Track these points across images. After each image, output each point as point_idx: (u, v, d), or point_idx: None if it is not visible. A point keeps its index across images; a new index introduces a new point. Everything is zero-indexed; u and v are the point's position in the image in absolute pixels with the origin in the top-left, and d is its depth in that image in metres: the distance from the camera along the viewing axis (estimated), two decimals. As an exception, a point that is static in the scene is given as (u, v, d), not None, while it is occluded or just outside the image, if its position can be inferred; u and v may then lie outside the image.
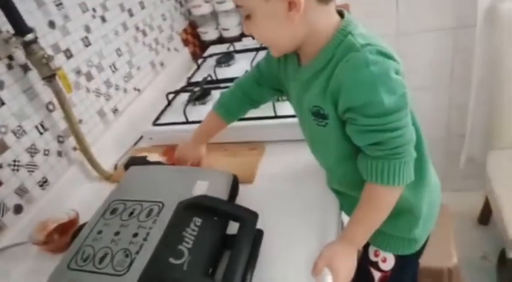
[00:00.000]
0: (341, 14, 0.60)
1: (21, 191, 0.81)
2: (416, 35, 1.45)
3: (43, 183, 0.87)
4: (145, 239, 0.61)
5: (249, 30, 0.60)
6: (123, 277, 0.56)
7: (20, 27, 0.76)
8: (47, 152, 0.88)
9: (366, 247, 0.77)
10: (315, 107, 0.61)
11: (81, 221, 0.81)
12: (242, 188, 0.79)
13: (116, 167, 1.02)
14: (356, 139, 0.58)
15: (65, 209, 0.84)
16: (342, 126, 0.60)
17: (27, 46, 0.78)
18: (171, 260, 0.57)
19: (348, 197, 0.72)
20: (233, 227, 0.65)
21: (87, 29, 1.03)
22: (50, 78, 0.83)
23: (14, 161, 0.80)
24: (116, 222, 0.66)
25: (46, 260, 0.77)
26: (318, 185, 0.79)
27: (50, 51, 0.89)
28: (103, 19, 1.09)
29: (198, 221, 0.63)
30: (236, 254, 0.58)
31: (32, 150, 0.84)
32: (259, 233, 0.66)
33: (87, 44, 1.02)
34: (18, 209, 0.80)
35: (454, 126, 1.63)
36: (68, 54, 0.96)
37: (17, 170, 0.80)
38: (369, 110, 0.53)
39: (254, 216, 0.63)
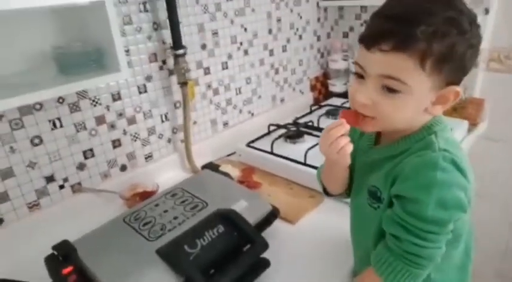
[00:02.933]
0: None
1: (131, 156, 1.08)
2: None
3: (148, 157, 1.12)
4: (180, 224, 0.76)
5: (379, 103, 0.54)
6: (151, 243, 0.72)
7: (177, 43, 1.04)
8: (161, 136, 1.14)
9: None
10: (374, 187, 0.62)
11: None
12: (282, 224, 0.88)
13: (203, 167, 1.22)
14: (385, 223, 0.59)
15: (152, 182, 1.07)
16: None
17: (177, 57, 1.05)
18: (186, 247, 0.70)
19: None
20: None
21: (230, 56, 1.28)
22: (183, 84, 1.08)
23: (136, 133, 1.07)
24: (170, 203, 0.84)
25: (122, 210, 1.00)
26: (344, 267, 0.79)
27: (194, 66, 1.16)
28: (246, 52, 1.33)
29: (221, 228, 0.75)
30: (232, 264, 0.67)
31: (151, 131, 1.11)
32: (265, 262, 0.74)
33: (225, 67, 1.27)
34: (123, 168, 1.07)
35: None
36: (207, 71, 1.22)
37: (135, 140, 1.07)
38: (410, 207, 0.53)
39: (264, 244, 0.72)
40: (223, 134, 1.32)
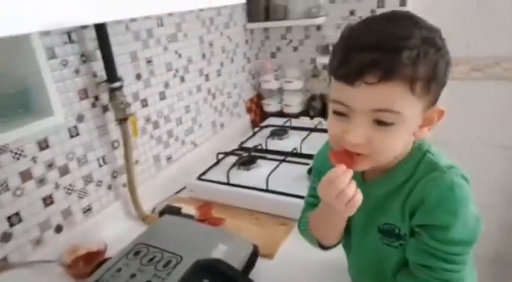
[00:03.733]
0: None
1: (67, 213, 0.90)
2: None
3: (87, 210, 0.95)
4: (155, 288, 0.64)
5: (373, 139, 0.50)
6: (125, 320, 0.59)
7: (112, 76, 0.91)
8: (99, 183, 0.98)
9: None
10: (388, 225, 0.58)
11: (108, 254, 0.86)
12: (261, 262, 0.80)
13: (153, 210, 1.09)
14: (411, 254, 0.56)
15: (96, 239, 0.90)
16: None
17: (113, 91, 0.92)
18: (172, 316, 0.59)
19: None
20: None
21: (167, 85, 1.17)
22: (122, 120, 0.95)
23: (70, 185, 0.90)
24: (135, 264, 0.70)
25: (66, 282, 0.82)
26: (336, 277, 0.77)
27: (130, 98, 1.03)
28: (182, 79, 1.24)
29: (207, 283, 0.65)
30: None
31: (88, 179, 0.94)
32: (264, 314, 0.66)
33: (163, 97, 1.16)
34: (58, 229, 0.88)
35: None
36: (144, 103, 1.10)
37: (70, 193, 0.90)
38: (438, 233, 0.52)
39: (262, 294, 0.63)
40: (168, 170, 1.20)
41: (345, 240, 0.67)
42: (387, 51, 0.45)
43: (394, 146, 0.52)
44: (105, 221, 0.98)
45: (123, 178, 1.05)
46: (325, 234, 0.65)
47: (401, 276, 0.58)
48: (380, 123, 0.49)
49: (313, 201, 0.68)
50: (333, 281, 0.76)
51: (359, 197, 0.52)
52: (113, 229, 0.98)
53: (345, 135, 0.50)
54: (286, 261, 0.84)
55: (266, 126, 1.50)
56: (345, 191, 0.51)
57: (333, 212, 0.56)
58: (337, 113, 0.52)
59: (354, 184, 0.52)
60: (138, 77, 1.07)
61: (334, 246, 0.68)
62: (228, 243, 0.75)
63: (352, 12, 1.46)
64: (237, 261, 0.71)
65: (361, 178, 0.60)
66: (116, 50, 0.95)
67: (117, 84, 0.92)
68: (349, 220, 0.62)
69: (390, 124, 0.48)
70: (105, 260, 0.79)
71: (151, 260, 0.71)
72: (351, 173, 0.52)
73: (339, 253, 0.80)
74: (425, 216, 0.52)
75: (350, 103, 0.49)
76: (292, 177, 1.06)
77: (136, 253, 0.73)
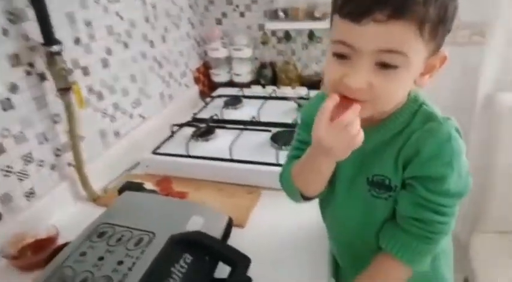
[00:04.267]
0: None
1: (6, 199, 0.78)
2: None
3: (30, 194, 0.83)
4: (130, 269, 0.58)
5: (375, 84, 0.47)
6: (100, 307, 0.53)
7: (49, 38, 0.78)
8: (41, 163, 0.86)
9: None
10: (378, 177, 0.56)
11: (60, 241, 0.77)
12: (233, 231, 0.77)
13: (105, 190, 0.99)
14: (403, 208, 0.55)
15: (44, 226, 0.80)
16: None
17: (51, 56, 0.79)
18: (155, 295, 0.54)
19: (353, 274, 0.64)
20: (219, 272, 0.63)
21: (109, 51, 1.05)
22: (64, 90, 0.83)
23: (7, 166, 0.77)
24: (102, 246, 0.63)
25: (12, 276, 0.73)
26: (308, 239, 0.78)
27: (69, 66, 0.90)
28: (125, 45, 1.12)
29: (188, 258, 0.61)
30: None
31: (27, 159, 0.82)
32: (248, 281, 0.64)
33: (106, 65, 1.04)
34: (-3, 217, 0.77)
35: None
36: (85, 72, 0.97)
37: (8, 175, 0.78)
38: (434, 185, 0.51)
39: (247, 261, 0.61)
40: (116, 145, 1.10)
41: (324, 195, 0.64)
42: None
43: (396, 92, 0.49)
44: (52, 205, 0.87)
45: (67, 157, 0.93)
46: (310, 182, 0.61)
47: (388, 232, 0.58)
48: (384, 66, 0.46)
49: (298, 154, 0.63)
50: (305, 245, 0.77)
51: (362, 136, 0.50)
52: (62, 213, 0.88)
53: (345, 79, 0.47)
54: (258, 229, 0.83)
55: (218, 96, 1.44)
56: (347, 129, 0.48)
57: (323, 157, 0.53)
58: (337, 56, 0.49)
59: (357, 122, 0.49)
60: (77, 41, 0.94)
61: (316, 197, 0.65)
62: (202, 215, 0.70)
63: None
64: (215, 233, 0.68)
65: None
66: (49, 10, 0.81)
67: (55, 48, 0.79)
68: (335, 171, 0.59)
69: (394, 67, 0.46)
70: (62, 246, 0.71)
71: (119, 239, 0.64)
72: (356, 111, 0.48)
73: (310, 220, 0.82)
74: (420, 168, 0.52)
75: (355, 43, 0.46)
76: (255, 145, 1.04)
77: (101, 234, 0.66)
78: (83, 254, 0.62)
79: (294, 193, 0.63)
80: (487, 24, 1.27)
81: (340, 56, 0.49)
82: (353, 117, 0.48)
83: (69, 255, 0.62)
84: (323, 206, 0.69)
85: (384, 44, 0.45)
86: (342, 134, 0.49)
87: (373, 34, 0.44)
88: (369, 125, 0.54)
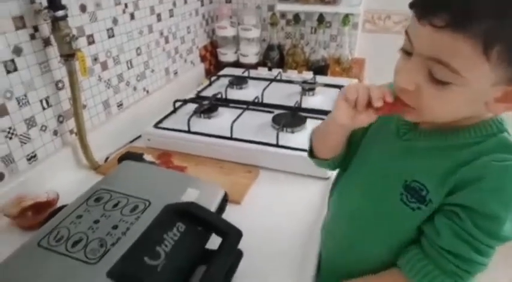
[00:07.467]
0: None
1: (8, 160, 0.79)
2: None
3: (31, 157, 0.84)
4: (124, 233, 0.59)
5: (422, 92, 0.44)
6: (93, 266, 0.54)
7: (54, 2, 0.78)
8: (44, 128, 0.87)
9: None
10: (416, 183, 0.50)
11: (59, 205, 0.78)
12: (229, 207, 0.78)
13: (106, 160, 1.00)
14: (439, 237, 0.48)
15: (44, 189, 0.82)
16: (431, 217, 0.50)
17: (56, 21, 0.79)
18: (146, 259, 0.55)
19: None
20: (211, 244, 0.64)
21: (115, 21, 1.05)
22: (68, 57, 0.83)
23: (10, 128, 0.78)
24: (98, 210, 0.64)
25: (13, 234, 0.74)
26: (304, 219, 0.79)
27: (73, 33, 0.90)
28: (132, 16, 1.11)
29: (181, 226, 0.61)
30: (215, 268, 0.56)
31: (30, 123, 0.83)
32: (239, 254, 0.65)
33: (111, 35, 1.04)
34: (0, 177, 0.78)
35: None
36: (90, 40, 0.97)
37: (10, 137, 0.79)
38: (485, 223, 0.45)
39: (239, 234, 0.62)
40: (119, 117, 1.11)
41: (340, 167, 0.68)
42: None
43: (445, 109, 0.44)
44: (53, 170, 0.88)
45: (70, 124, 0.94)
46: (321, 141, 0.65)
47: (414, 257, 0.51)
48: (435, 79, 0.42)
49: None
50: (300, 224, 0.78)
51: (367, 117, 0.50)
52: (63, 179, 0.89)
53: (395, 75, 0.46)
54: (254, 206, 0.84)
55: (223, 76, 1.44)
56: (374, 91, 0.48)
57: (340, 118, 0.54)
58: (403, 51, 0.46)
59: (388, 91, 0.49)
60: (83, 8, 0.93)
61: (322, 160, 0.68)
62: (198, 187, 0.71)
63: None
64: (210, 205, 0.68)
65: (412, 126, 0.54)
66: (55, -28, 0.80)
67: (60, 12, 0.79)
68: (362, 151, 0.61)
69: (445, 83, 0.41)
70: (60, 208, 0.72)
71: (115, 205, 0.65)
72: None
73: (307, 201, 0.83)
74: (476, 200, 0.45)
75: (413, 40, 0.43)
76: (256, 125, 1.04)
77: (98, 199, 0.67)
78: (79, 216, 0.63)
79: (309, 148, 0.70)
80: None
81: (405, 52, 0.46)
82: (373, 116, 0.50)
83: (65, 217, 0.63)
84: (335, 189, 0.70)
85: (433, 51, 0.40)
86: (362, 91, 0.49)
87: (427, 38, 0.40)
88: (433, 125, 0.51)
